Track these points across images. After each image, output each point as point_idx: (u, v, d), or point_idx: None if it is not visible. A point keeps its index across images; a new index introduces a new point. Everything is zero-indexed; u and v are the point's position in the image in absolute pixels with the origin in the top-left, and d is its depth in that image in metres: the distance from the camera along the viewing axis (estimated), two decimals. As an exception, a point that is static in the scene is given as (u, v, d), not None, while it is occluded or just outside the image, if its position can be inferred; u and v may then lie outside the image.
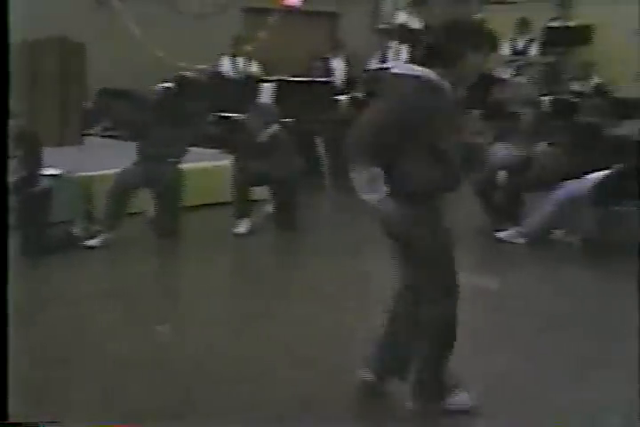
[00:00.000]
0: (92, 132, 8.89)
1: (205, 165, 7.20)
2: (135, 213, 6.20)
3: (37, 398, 3.36)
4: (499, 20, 11.35)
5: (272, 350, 3.98)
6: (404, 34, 10.49)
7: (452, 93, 3.08)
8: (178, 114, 6.12)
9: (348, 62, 10.39)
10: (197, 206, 6.77)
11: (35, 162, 5.56)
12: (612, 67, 10.64)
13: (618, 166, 6.00)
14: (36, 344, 3.96)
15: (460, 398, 3.32)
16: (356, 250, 5.96)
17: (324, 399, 3.40)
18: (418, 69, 3.04)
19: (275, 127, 6.41)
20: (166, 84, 9.11)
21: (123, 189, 5.95)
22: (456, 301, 3.25)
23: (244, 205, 6.46)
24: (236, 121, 7.60)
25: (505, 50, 11.09)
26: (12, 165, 4.87)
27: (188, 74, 7.05)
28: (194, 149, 6.45)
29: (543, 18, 11.17)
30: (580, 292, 5.25)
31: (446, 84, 3.05)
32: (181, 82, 6.42)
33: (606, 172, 6.04)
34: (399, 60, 9.08)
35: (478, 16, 11.43)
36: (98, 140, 8.65)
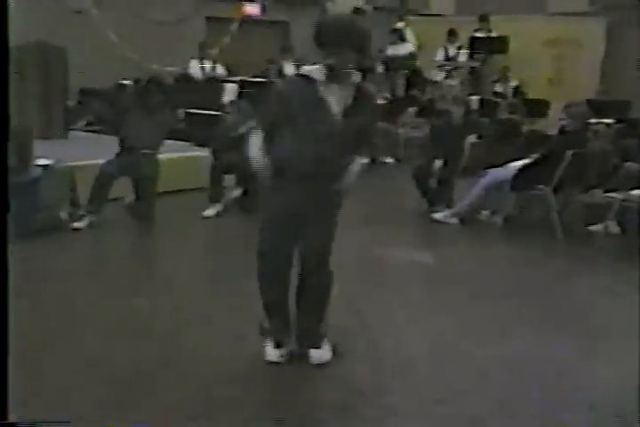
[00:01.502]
0: (76, 127, 8.82)
1: (180, 155, 7.28)
2: (116, 199, 6.21)
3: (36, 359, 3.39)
4: (433, 30, 11.57)
5: (238, 317, 3.98)
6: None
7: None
8: (149, 110, 6.11)
9: (297, 66, 10.41)
10: (172, 192, 6.80)
11: (27, 153, 5.53)
12: (524, 72, 10.93)
13: (533, 156, 6.19)
14: (31, 316, 3.88)
15: (322, 352, 3.31)
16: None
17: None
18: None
19: (251, 123, 6.44)
20: (125, 82, 9.15)
21: (106, 178, 5.98)
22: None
23: (218, 191, 6.56)
24: (213, 117, 7.60)
25: (438, 56, 11.28)
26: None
27: (157, 75, 7.01)
28: (168, 142, 6.47)
29: (469, 28, 11.39)
30: (501, 263, 5.43)
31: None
32: (152, 82, 6.37)
33: (524, 161, 6.24)
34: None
35: (399, 26, 11.57)
36: (81, 134, 8.59)
